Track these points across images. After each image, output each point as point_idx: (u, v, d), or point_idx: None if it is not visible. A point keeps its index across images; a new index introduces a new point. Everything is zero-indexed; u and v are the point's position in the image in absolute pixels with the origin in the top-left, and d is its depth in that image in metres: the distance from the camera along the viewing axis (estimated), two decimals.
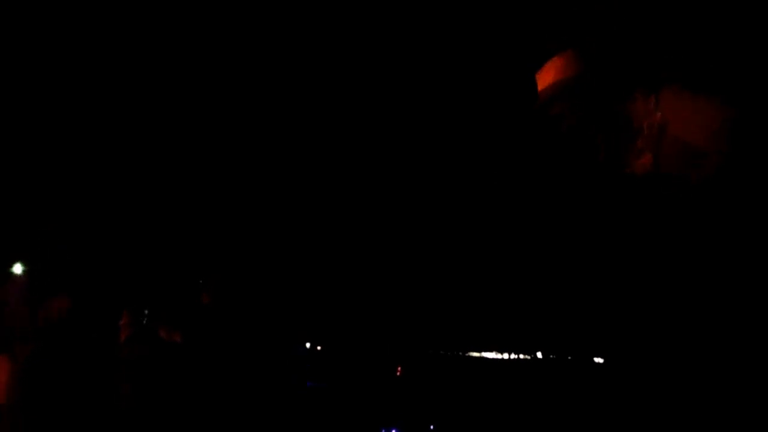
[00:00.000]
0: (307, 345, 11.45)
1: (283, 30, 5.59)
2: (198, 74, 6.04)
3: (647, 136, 1.45)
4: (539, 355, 12.62)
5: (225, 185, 7.92)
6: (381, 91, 6.35)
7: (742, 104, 1.38)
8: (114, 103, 6.32)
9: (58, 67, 5.64)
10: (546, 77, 1.57)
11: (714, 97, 1.40)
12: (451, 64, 5.67)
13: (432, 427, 8.43)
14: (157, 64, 5.83)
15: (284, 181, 8.09)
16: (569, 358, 11.71)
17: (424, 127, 6.88)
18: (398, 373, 11.64)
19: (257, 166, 7.70)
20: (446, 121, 6.70)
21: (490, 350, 13.29)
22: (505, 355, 13.25)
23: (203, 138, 7.11)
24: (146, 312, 4.28)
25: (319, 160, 7.69)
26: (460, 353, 13.39)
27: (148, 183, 7.66)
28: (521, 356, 12.99)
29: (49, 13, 5.10)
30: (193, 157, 7.39)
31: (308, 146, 7.37)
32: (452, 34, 5.27)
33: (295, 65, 6.02)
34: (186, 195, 8.01)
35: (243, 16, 5.41)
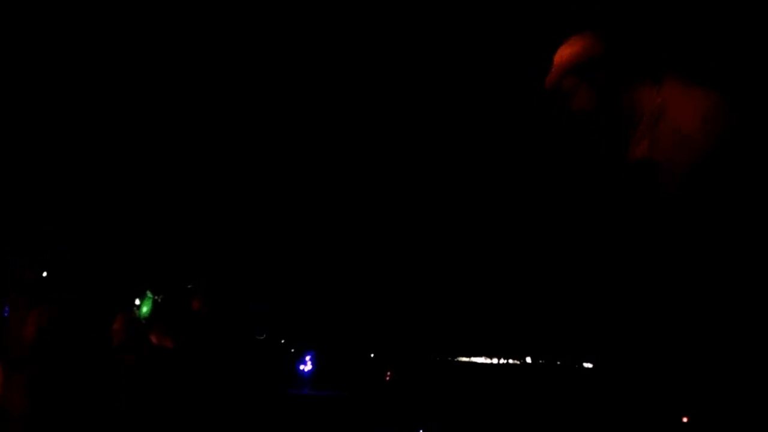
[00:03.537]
0: (299, 347, 11.44)
1: (282, 30, 5.57)
2: (197, 75, 6.02)
3: (647, 122, 1.48)
4: (528, 360, 12.66)
5: (217, 190, 7.92)
6: (378, 84, 6.28)
7: (737, 97, 1.41)
8: (113, 107, 6.30)
9: (57, 67, 5.62)
10: (562, 53, 1.62)
11: (711, 89, 1.43)
12: (458, 52, 5.60)
13: (421, 431, 8.45)
14: (156, 64, 5.81)
15: (274, 188, 8.09)
16: (558, 363, 11.75)
17: (423, 120, 6.81)
18: (388, 378, 11.65)
19: (250, 173, 7.70)
20: (440, 116, 6.65)
21: (480, 355, 13.31)
22: (495, 360, 13.27)
23: (198, 145, 7.10)
24: (139, 316, 4.29)
25: (312, 166, 7.69)
26: (450, 358, 13.40)
27: (142, 187, 7.65)
28: (510, 361, 13.02)
29: (49, 13, 5.09)
30: (188, 163, 7.39)
31: (303, 151, 7.36)
32: (457, 22, 5.22)
33: (295, 65, 6.00)
34: (178, 200, 8.01)
35: (243, 17, 5.40)
